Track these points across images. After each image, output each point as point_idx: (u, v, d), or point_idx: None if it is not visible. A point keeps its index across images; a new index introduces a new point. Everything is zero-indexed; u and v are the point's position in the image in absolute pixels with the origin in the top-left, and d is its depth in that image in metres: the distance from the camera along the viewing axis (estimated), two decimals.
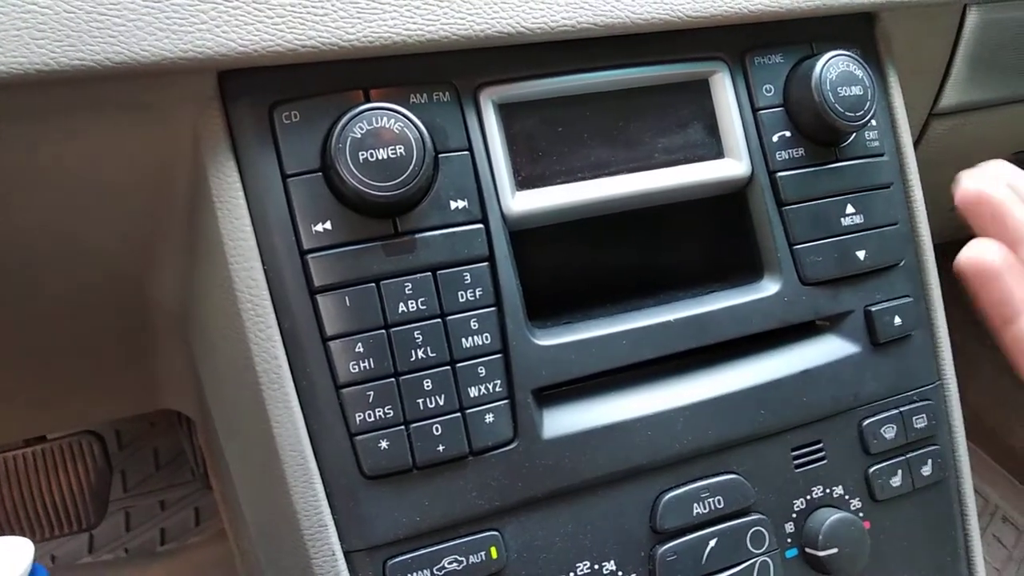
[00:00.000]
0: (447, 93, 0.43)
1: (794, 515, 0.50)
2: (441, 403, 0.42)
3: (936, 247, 0.56)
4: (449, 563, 0.42)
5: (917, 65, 0.59)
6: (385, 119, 0.39)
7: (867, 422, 0.52)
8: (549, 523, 0.45)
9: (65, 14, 0.34)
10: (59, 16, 0.34)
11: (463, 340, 0.42)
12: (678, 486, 0.47)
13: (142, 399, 0.77)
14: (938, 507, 0.54)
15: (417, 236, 0.41)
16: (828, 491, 0.50)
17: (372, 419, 0.41)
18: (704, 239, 0.54)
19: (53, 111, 0.37)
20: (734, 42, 0.49)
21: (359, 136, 0.39)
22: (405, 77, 0.42)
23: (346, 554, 0.41)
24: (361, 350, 0.40)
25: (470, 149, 0.43)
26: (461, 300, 0.42)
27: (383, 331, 0.41)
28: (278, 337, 0.40)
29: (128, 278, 0.50)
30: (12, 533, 1.00)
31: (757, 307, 0.49)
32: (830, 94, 0.48)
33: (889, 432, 0.52)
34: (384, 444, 0.41)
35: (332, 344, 0.40)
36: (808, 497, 0.50)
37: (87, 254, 0.47)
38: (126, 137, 0.40)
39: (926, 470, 0.53)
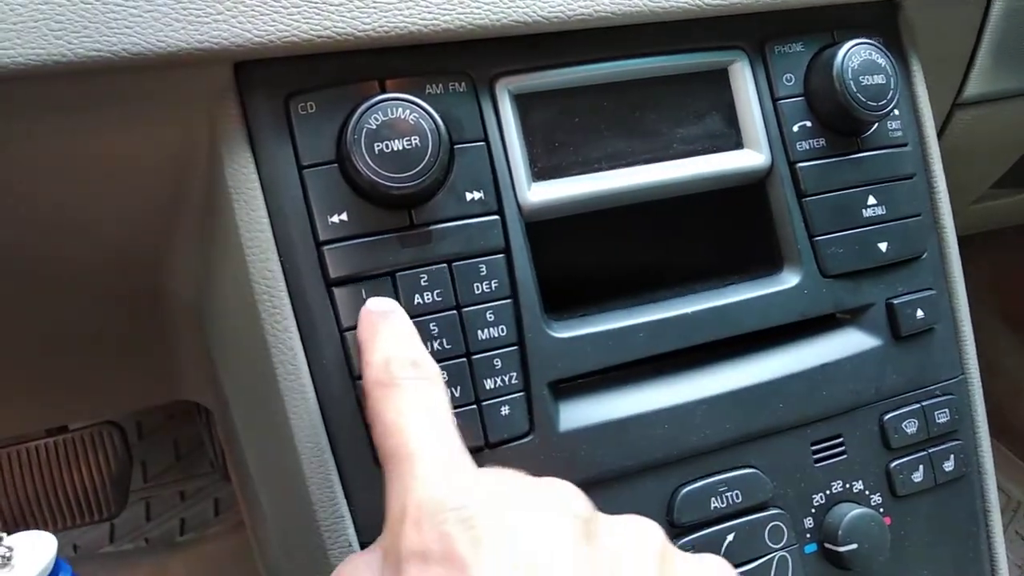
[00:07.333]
0: (463, 83, 0.42)
1: (813, 510, 0.49)
2: (457, 395, 0.41)
3: (960, 239, 0.55)
4: None
5: (941, 54, 0.58)
6: (400, 110, 0.39)
7: (888, 416, 0.51)
8: None
9: (82, 5, 0.35)
10: (76, 7, 0.34)
11: (479, 332, 0.42)
12: (695, 480, 0.46)
13: (161, 390, 0.78)
14: (960, 503, 0.54)
15: (433, 228, 0.41)
16: (848, 486, 0.50)
17: None
18: (723, 231, 0.53)
19: (68, 104, 0.37)
20: (754, 31, 0.49)
21: (375, 127, 0.39)
22: (421, 67, 0.42)
23: (363, 545, 0.41)
24: None
25: (486, 140, 0.43)
26: (477, 292, 0.42)
27: None
28: (294, 329, 0.40)
29: (145, 269, 0.51)
30: (34, 522, 1.02)
31: (776, 300, 0.48)
32: (852, 83, 0.47)
33: (911, 427, 0.51)
34: None
35: (348, 335, 0.40)
36: (828, 492, 0.49)
37: (103, 244, 0.47)
38: (142, 129, 0.40)
39: (948, 465, 0.52)
